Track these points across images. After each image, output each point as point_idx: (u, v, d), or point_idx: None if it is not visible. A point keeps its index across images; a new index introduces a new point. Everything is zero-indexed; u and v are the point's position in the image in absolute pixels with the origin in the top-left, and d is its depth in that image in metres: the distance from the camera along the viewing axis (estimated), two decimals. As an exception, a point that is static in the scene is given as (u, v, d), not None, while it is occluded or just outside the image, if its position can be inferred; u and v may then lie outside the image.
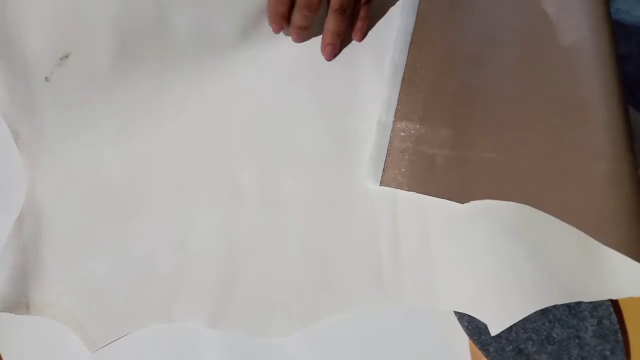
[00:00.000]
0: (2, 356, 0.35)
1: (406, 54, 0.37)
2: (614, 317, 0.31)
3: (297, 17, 0.38)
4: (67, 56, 0.39)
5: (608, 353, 0.30)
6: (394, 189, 0.34)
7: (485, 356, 0.31)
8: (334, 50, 0.39)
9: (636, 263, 0.29)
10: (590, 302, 0.31)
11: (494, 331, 0.30)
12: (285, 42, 0.40)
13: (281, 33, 0.40)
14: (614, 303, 0.31)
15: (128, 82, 0.39)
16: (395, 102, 0.36)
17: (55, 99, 0.39)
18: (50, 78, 0.39)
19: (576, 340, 0.31)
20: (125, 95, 0.39)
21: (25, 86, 0.39)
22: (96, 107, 0.39)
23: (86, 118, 0.38)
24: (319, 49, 0.39)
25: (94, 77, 0.39)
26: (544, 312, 0.31)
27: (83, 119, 0.38)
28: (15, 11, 0.39)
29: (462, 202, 0.33)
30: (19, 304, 0.35)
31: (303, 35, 0.39)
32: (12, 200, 0.38)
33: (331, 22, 0.38)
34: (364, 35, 0.39)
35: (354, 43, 0.39)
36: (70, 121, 0.38)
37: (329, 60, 0.39)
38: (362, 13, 0.39)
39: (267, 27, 0.39)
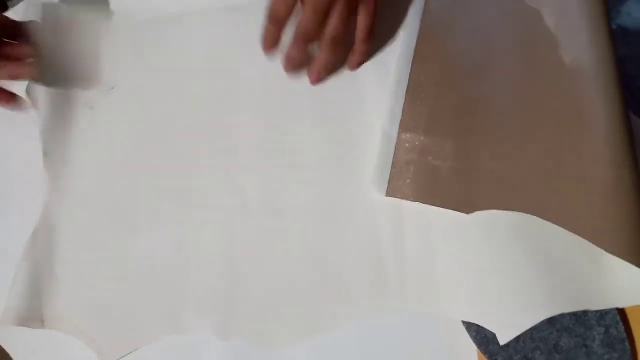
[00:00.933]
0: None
1: (409, 67, 0.37)
2: (620, 325, 0.31)
3: (292, 50, 0.37)
4: (112, 88, 0.42)
5: (615, 361, 0.30)
6: (400, 199, 0.34)
7: (494, 366, 0.31)
8: (319, 78, 0.38)
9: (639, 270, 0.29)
10: (597, 311, 0.31)
11: (502, 340, 0.31)
12: None
13: (282, 38, 0.40)
14: (621, 311, 0.32)
15: (147, 106, 0.41)
16: (400, 114, 0.36)
17: (93, 126, 0.41)
18: (93, 107, 0.42)
19: (583, 349, 0.31)
20: (142, 116, 0.41)
21: (69, 111, 0.41)
22: (118, 132, 0.41)
23: (108, 142, 0.41)
24: None
25: (124, 107, 0.42)
26: (551, 321, 0.31)
27: (106, 143, 0.41)
28: (70, 46, 0.43)
29: (467, 212, 0.33)
30: (34, 318, 0.35)
31: (297, 69, 0.39)
32: (16, 210, 0.39)
33: (324, 53, 0.37)
34: (359, 66, 0.39)
35: None
36: (95, 145, 0.41)
37: (313, 84, 0.39)
38: (361, 48, 0.38)
39: None
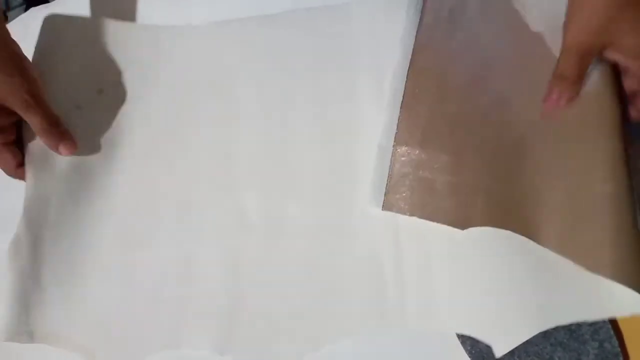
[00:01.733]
0: None
1: (405, 80, 0.37)
2: (614, 340, 0.31)
3: None
4: (102, 90, 0.41)
5: (610, 375, 0.31)
6: (396, 213, 0.35)
7: (489, 379, 0.32)
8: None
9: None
10: (591, 326, 0.31)
11: (497, 353, 0.31)
12: (286, 71, 0.40)
13: (281, 47, 0.40)
14: (615, 326, 0.32)
15: (144, 117, 0.41)
16: (395, 128, 0.37)
17: (81, 127, 0.40)
18: (82, 107, 0.41)
19: (578, 364, 0.31)
20: (139, 128, 0.40)
21: (56, 112, 0.38)
22: (112, 139, 0.40)
23: (100, 148, 0.40)
24: (321, 75, 0.40)
25: (118, 113, 0.41)
26: (545, 336, 0.31)
27: (97, 149, 0.40)
28: (62, 50, 0.42)
29: (462, 228, 0.33)
30: (21, 332, 0.35)
31: None
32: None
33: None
34: None
35: (352, 68, 0.39)
36: (85, 149, 0.39)
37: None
38: None
39: (269, 58, 0.40)
